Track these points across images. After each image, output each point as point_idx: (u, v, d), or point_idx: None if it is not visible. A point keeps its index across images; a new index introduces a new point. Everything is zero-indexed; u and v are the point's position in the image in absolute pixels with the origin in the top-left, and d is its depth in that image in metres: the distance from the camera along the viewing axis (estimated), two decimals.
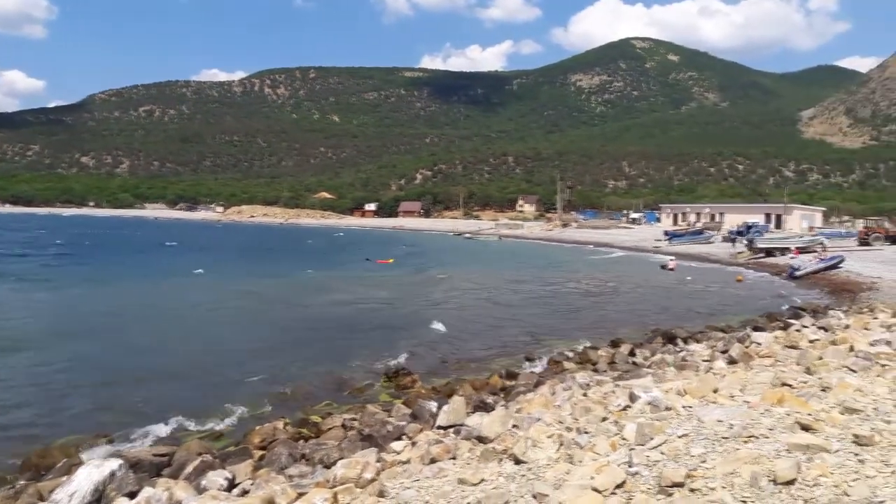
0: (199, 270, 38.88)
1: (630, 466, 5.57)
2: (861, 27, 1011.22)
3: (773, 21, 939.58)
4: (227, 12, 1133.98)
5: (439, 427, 10.43)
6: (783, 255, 47.08)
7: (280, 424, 11.53)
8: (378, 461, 8.76)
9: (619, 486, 5.18)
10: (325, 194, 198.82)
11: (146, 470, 9.44)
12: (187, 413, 12.43)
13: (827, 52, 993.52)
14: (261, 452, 10.35)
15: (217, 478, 8.80)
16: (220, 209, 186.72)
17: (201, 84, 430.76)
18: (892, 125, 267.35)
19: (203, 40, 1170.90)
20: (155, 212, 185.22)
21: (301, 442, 10.76)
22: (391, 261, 50.74)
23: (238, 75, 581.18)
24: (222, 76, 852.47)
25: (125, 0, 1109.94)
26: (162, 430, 11.66)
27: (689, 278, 40.28)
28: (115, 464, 8.65)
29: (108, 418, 12.24)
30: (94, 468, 8.47)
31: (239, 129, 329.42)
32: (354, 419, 11.69)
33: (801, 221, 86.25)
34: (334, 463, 8.93)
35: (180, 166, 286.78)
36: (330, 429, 11.32)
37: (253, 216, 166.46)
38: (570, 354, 17.44)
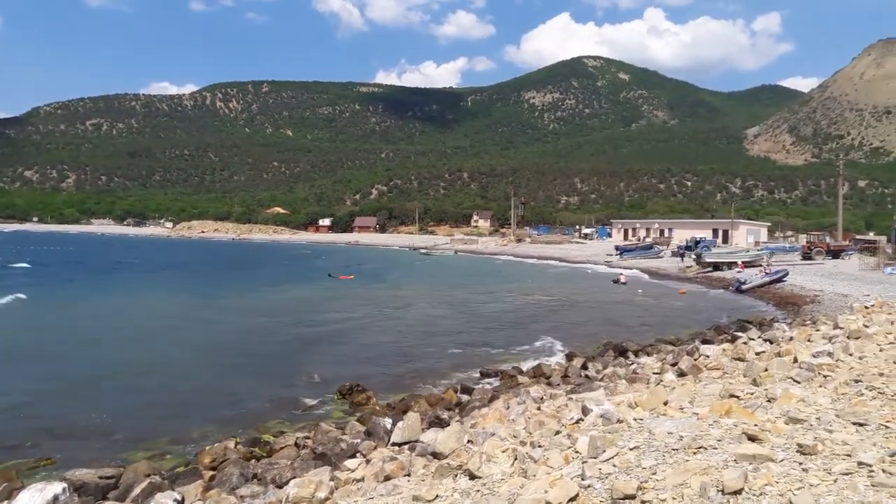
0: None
1: (583, 479, 5.61)
2: (802, 49, 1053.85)
3: (719, 41, 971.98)
4: (177, 25, 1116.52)
5: (394, 444, 10.38)
6: (730, 269, 48.29)
7: (231, 444, 11.31)
8: (331, 480, 8.66)
9: (572, 500, 5.22)
10: (279, 209, 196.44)
11: (91, 493, 9.16)
12: (135, 433, 12.11)
13: (770, 72, 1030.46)
14: (211, 473, 10.13)
15: (166, 500, 8.60)
16: (169, 225, 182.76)
17: (151, 97, 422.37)
18: (833, 143, 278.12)
19: (152, 53, 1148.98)
20: (102, 227, 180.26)
21: (253, 461, 10.57)
22: (352, 276, 50.86)
23: (189, 88, 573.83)
24: (172, 89, 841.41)
25: (71, 10, 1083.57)
26: (108, 451, 11.32)
27: (639, 291, 40.99)
28: (58, 487, 8.38)
29: (52, 440, 11.84)
30: (37, 492, 8.20)
31: (190, 143, 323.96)
32: (307, 437, 11.54)
33: (747, 236, 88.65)
34: (287, 482, 8.82)
35: (129, 181, 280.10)
36: (282, 448, 11.16)
37: (203, 232, 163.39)
38: (525, 368, 17.56)
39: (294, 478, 8.92)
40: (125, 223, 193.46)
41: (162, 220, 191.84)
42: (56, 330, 24.40)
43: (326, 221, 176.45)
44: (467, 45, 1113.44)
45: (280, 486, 8.99)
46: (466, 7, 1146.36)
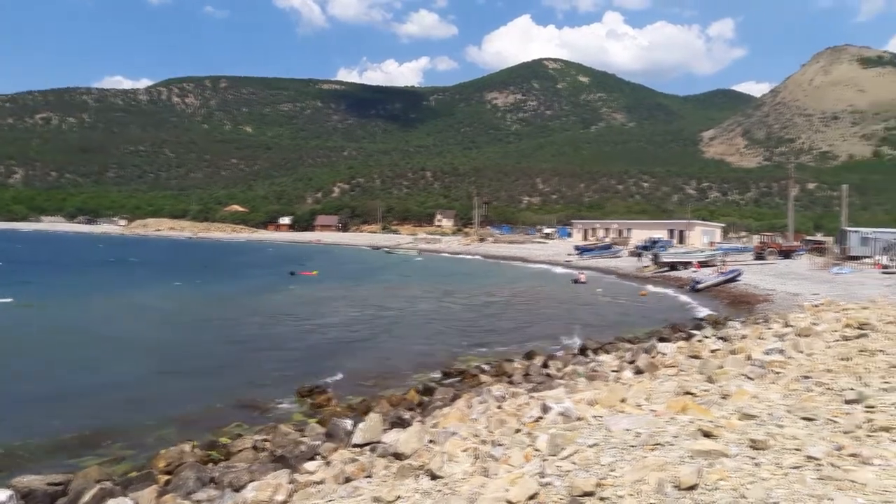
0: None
1: (542, 477, 5.68)
2: (755, 55, 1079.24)
3: (675, 46, 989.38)
4: (132, 17, 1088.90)
5: (355, 445, 10.33)
6: (686, 268, 49.26)
7: (187, 447, 11.07)
8: (290, 482, 8.58)
9: (531, 498, 5.27)
10: (237, 207, 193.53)
11: (39, 500, 8.91)
12: (86, 438, 11.80)
13: (725, 76, 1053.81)
14: (166, 477, 9.92)
15: None
16: (123, 223, 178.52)
17: (104, 91, 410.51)
18: (784, 147, 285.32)
19: (106, 46, 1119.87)
20: (52, 225, 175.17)
21: (210, 465, 10.38)
22: (315, 272, 50.50)
23: (144, 83, 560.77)
24: (127, 84, 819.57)
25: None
26: (57, 456, 11.00)
27: (598, 290, 41.54)
28: (3, 495, 8.13)
29: None
30: None
31: (145, 139, 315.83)
32: (266, 440, 11.40)
33: (702, 237, 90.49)
34: (244, 486, 8.71)
35: (81, 177, 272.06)
36: (240, 450, 10.99)
37: (159, 230, 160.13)
38: (487, 367, 17.64)
39: (252, 481, 8.81)
40: (77, 221, 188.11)
41: (116, 218, 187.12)
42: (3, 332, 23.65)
43: (287, 220, 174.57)
44: (429, 45, 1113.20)
45: (237, 490, 8.85)
46: (429, 6, 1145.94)
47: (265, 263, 66.50)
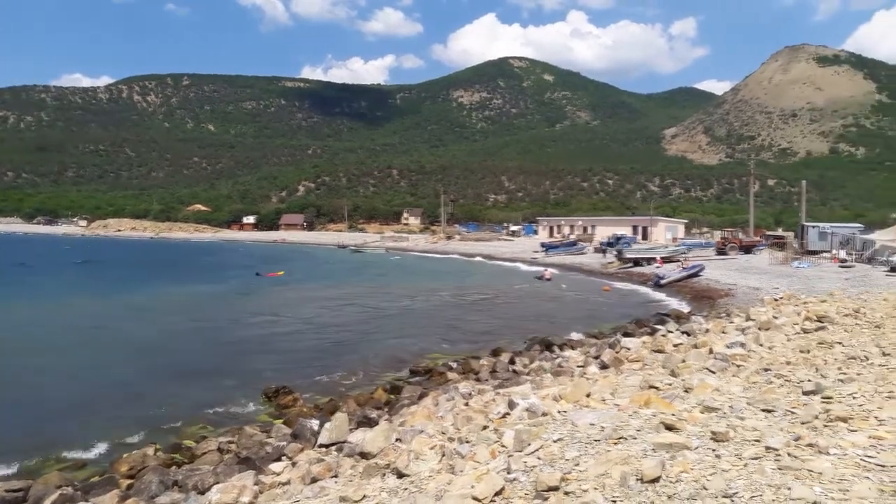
0: None
1: (509, 473, 5.70)
2: (717, 53, 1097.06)
3: (638, 45, 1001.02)
4: (92, 14, 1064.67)
5: (321, 445, 10.27)
6: (649, 264, 49.86)
7: (150, 451, 10.95)
8: (256, 484, 8.52)
9: (498, 494, 5.29)
10: (200, 207, 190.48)
11: None
12: (47, 443, 11.59)
13: (687, 75, 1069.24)
14: (129, 481, 9.80)
15: None
16: (83, 223, 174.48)
17: (63, 90, 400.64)
18: (745, 144, 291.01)
19: (65, 43, 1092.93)
20: (9, 226, 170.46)
21: (173, 468, 10.28)
22: (281, 273, 49.96)
23: (104, 81, 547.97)
24: (86, 81, 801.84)
25: None
26: (17, 462, 10.80)
27: (563, 286, 41.87)
28: None
29: None
30: None
31: (105, 138, 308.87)
32: (231, 441, 11.29)
33: (665, 233, 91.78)
34: (209, 488, 8.62)
35: (39, 177, 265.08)
36: (205, 453, 10.88)
37: (120, 230, 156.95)
38: (454, 365, 17.66)
39: (217, 483, 8.73)
40: (35, 222, 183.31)
41: (75, 219, 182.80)
42: None
43: (251, 219, 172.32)
44: (395, 43, 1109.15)
45: (202, 493, 8.77)
46: (394, 4, 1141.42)
47: (229, 264, 65.63)
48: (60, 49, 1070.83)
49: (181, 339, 22.90)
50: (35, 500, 8.95)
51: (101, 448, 11.60)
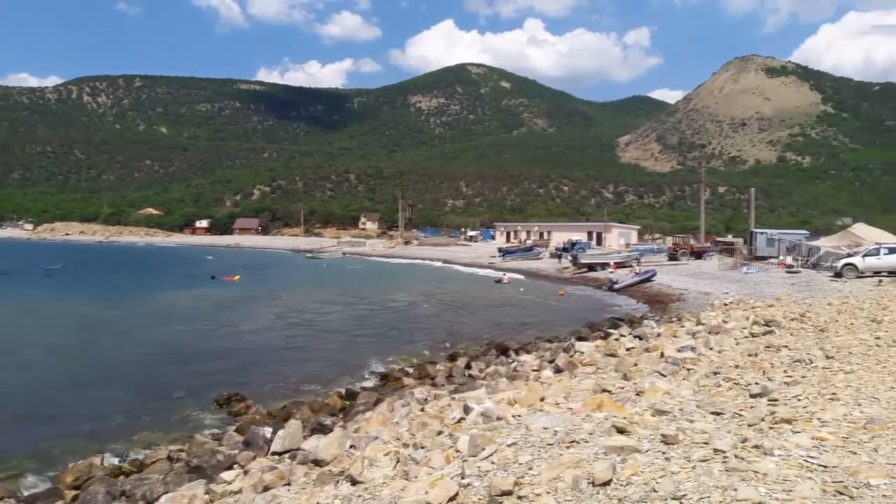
0: None
1: (463, 478, 5.69)
2: (670, 63, 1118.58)
3: (594, 53, 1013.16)
4: (39, 12, 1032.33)
5: (274, 453, 10.11)
6: (603, 269, 50.60)
7: (97, 460, 10.67)
8: (206, 493, 8.35)
9: (451, 499, 5.27)
10: (152, 210, 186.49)
11: None
12: None
13: (640, 83, 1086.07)
14: (74, 493, 9.54)
15: None
16: (29, 226, 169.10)
17: (8, 89, 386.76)
18: (696, 152, 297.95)
19: (10, 41, 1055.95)
20: None
21: (121, 478, 10.02)
22: (237, 277, 49.17)
23: (52, 81, 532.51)
24: (33, 81, 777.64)
25: None
26: None
27: (521, 290, 42.20)
28: None
29: None
30: None
31: (53, 140, 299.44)
32: (182, 450, 11.05)
33: (618, 239, 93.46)
34: (158, 498, 8.45)
35: None
36: (154, 462, 10.63)
37: (68, 234, 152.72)
38: (410, 370, 17.62)
39: (166, 493, 8.54)
40: None
41: (21, 222, 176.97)
42: None
43: (204, 223, 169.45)
44: (353, 47, 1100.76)
45: (151, 503, 8.57)
46: (351, 8, 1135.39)
47: (183, 268, 64.34)
48: (6, 47, 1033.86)
49: (131, 346, 22.30)
50: None
51: (45, 458, 11.23)
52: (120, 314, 30.31)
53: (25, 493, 9.63)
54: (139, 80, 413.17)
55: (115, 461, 10.94)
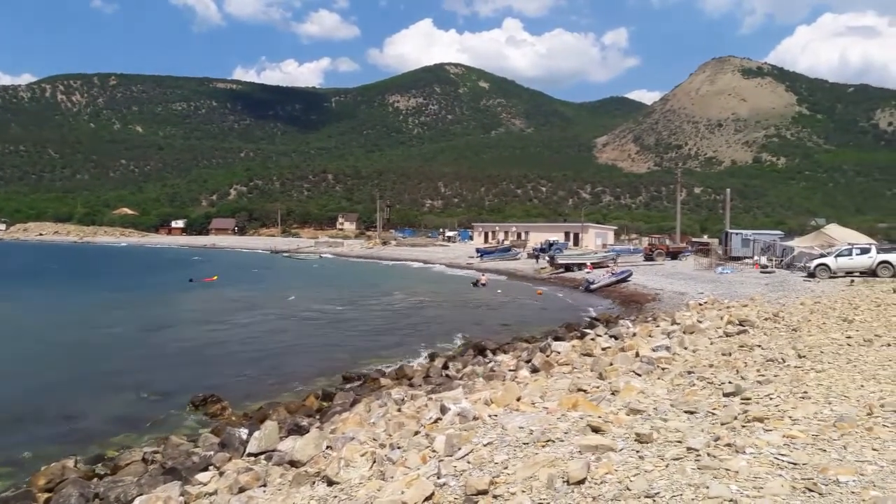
0: None
1: (439, 478, 5.70)
2: (647, 63, 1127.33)
3: (572, 53, 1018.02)
4: (12, 9, 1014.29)
5: (250, 454, 10.06)
6: (580, 269, 50.89)
7: (70, 463, 10.52)
8: (181, 495, 8.29)
9: (427, 499, 5.28)
10: (127, 210, 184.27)
11: None
12: None
13: (618, 84, 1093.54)
14: (46, 496, 9.45)
15: None
16: (1, 227, 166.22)
17: None
18: (672, 153, 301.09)
19: None
20: None
21: (95, 480, 9.91)
22: (215, 278, 48.71)
23: (25, 79, 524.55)
24: (6, 79, 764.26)
25: None
26: None
27: (499, 292, 42.29)
28: None
29: None
30: None
31: (26, 139, 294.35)
32: (156, 452, 10.94)
33: (595, 239, 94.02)
34: (132, 500, 8.39)
35: None
36: (128, 464, 10.52)
37: (42, 234, 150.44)
38: (387, 370, 17.59)
39: (140, 495, 8.47)
40: None
41: None
42: None
43: (180, 223, 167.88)
44: (330, 46, 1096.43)
45: None
46: (329, 7, 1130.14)
47: (159, 269, 63.63)
48: None
49: (106, 347, 22.02)
50: None
51: (17, 460, 11.08)
52: (94, 316, 29.86)
53: None
54: (114, 78, 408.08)
55: (89, 464, 10.78)
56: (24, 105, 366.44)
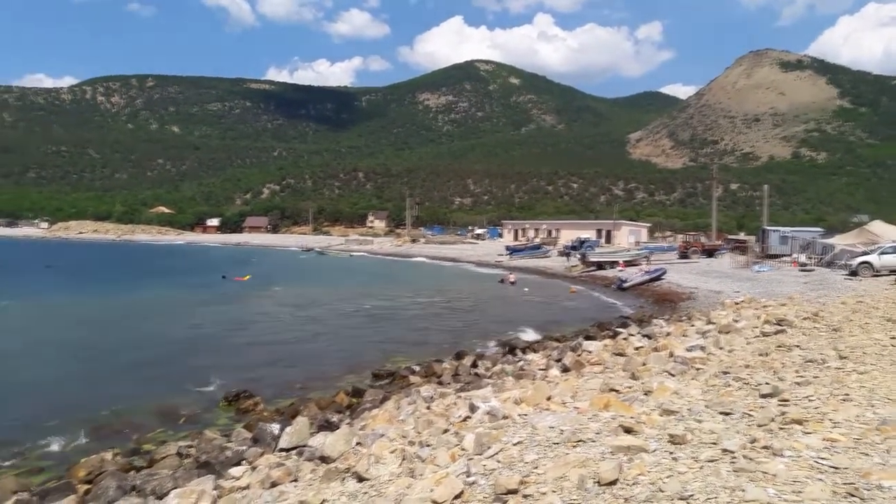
0: None
1: (468, 476, 5.67)
2: (682, 57, 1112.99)
3: (605, 48, 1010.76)
4: (54, 14, 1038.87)
5: (281, 449, 10.14)
6: (612, 267, 50.37)
7: (108, 455, 10.74)
8: (215, 489, 8.37)
9: (457, 497, 5.25)
10: (163, 209, 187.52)
11: None
12: (3, 447, 11.29)
13: (652, 79, 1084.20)
14: (86, 487, 9.61)
15: None
16: (44, 225, 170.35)
17: (25, 90, 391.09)
18: (708, 148, 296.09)
19: (27, 43, 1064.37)
20: None
21: (132, 473, 10.08)
22: (247, 277, 49.33)
23: (67, 81, 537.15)
24: (49, 82, 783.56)
25: None
26: None
27: (525, 289, 42.12)
28: None
29: None
30: None
31: (68, 139, 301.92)
32: (191, 446, 11.09)
33: (628, 236, 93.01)
34: (167, 493, 8.48)
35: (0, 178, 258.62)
36: (164, 457, 10.68)
37: (82, 232, 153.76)
38: (417, 368, 17.58)
39: (175, 488, 8.58)
40: None
41: (37, 221, 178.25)
42: None
43: (215, 221, 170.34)
44: (361, 45, 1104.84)
45: (160, 498, 8.62)
46: (360, 6, 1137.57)
47: (195, 267, 64.62)
48: (23, 49, 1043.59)
49: (142, 343, 22.40)
50: None
51: (58, 453, 11.34)
52: (132, 313, 30.45)
53: (39, 487, 9.66)
54: (151, 79, 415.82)
55: (126, 457, 10.98)
56: (65, 107, 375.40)
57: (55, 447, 11.57)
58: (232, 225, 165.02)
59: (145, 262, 73.00)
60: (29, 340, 22.54)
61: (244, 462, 9.91)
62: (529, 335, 23.42)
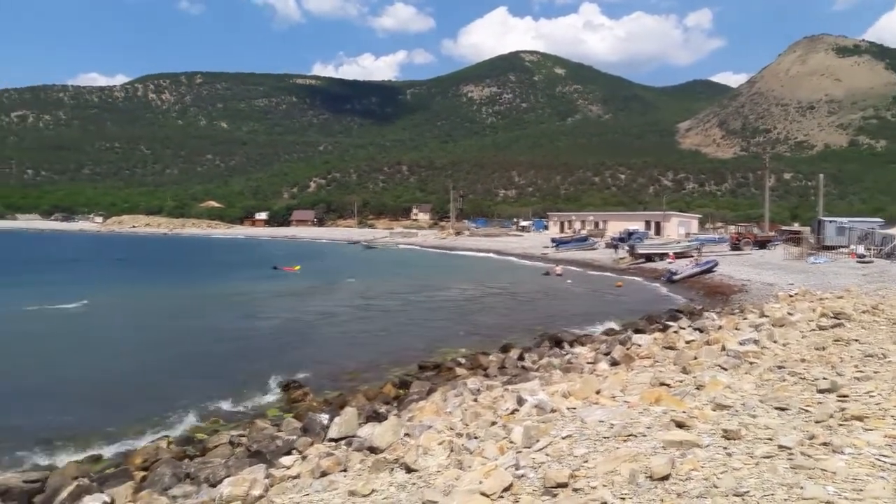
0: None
1: (517, 469, 5.65)
2: (733, 44, 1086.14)
3: (653, 36, 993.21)
4: (107, 14, 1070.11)
5: (330, 439, 10.28)
6: (662, 260, 49.55)
7: (163, 444, 11.09)
8: (266, 477, 8.52)
9: (506, 490, 5.24)
10: (213, 203, 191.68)
11: (16, 498, 8.91)
12: (64, 435, 11.74)
13: (702, 67, 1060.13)
14: (143, 474, 9.91)
15: (94, 502, 8.41)
16: (99, 219, 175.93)
17: (80, 89, 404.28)
18: (760, 137, 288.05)
19: (81, 43, 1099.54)
20: (28, 223, 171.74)
21: (186, 461, 10.35)
22: (297, 268, 50.20)
23: (119, 80, 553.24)
24: (102, 80, 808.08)
25: None
26: (35, 454, 10.95)
27: (569, 282, 41.81)
28: None
29: None
30: None
31: (120, 136, 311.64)
32: (242, 435, 11.34)
33: (678, 228, 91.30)
34: (220, 481, 8.66)
35: (56, 175, 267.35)
36: (216, 446, 10.95)
37: (135, 226, 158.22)
38: (463, 360, 17.61)
39: (228, 476, 8.76)
40: (52, 218, 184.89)
41: (91, 215, 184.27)
42: None
43: (263, 215, 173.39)
44: (406, 38, 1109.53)
45: (213, 485, 8.84)
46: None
47: (245, 259, 65.94)
48: (77, 49, 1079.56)
49: (195, 334, 23.00)
50: (52, 490, 9.08)
51: (116, 441, 11.71)
52: (185, 303, 31.23)
53: (98, 474, 9.99)
54: (200, 76, 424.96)
55: (181, 445, 11.29)
56: (118, 104, 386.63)
57: (113, 435, 11.92)
58: (279, 219, 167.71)
59: (212, 254, 74.83)
60: (87, 333, 23.32)
61: (294, 451, 10.09)
62: (576, 328, 23.22)
